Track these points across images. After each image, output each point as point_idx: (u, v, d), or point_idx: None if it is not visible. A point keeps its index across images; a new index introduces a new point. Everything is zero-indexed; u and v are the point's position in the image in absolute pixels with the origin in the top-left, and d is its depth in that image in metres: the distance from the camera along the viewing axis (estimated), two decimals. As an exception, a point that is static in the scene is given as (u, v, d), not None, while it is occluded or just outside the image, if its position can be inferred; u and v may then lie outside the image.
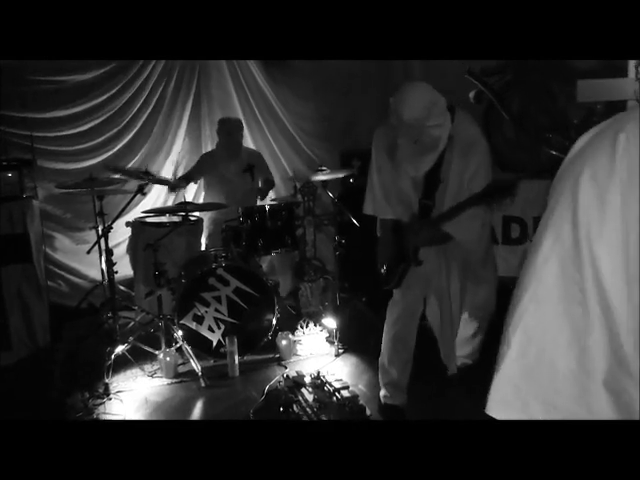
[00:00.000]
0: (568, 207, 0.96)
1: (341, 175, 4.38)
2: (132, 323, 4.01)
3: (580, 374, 0.95)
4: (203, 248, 4.45)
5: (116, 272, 3.65)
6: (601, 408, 0.93)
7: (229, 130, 4.67)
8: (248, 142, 5.35)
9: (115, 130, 5.00)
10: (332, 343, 3.87)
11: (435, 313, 2.92)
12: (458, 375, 3.20)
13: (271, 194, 5.23)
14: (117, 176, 4.04)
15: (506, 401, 1.04)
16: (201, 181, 4.89)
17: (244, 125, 5.13)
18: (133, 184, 3.95)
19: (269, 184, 4.86)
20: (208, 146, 5.33)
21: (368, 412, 3.00)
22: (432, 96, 2.40)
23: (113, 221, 3.58)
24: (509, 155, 4.08)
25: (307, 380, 3.33)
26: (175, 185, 4.65)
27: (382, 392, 2.99)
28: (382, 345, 2.95)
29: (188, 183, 4.78)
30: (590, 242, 0.91)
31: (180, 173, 5.08)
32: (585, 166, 0.95)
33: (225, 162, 4.65)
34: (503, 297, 3.20)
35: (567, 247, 0.94)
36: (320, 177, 4.16)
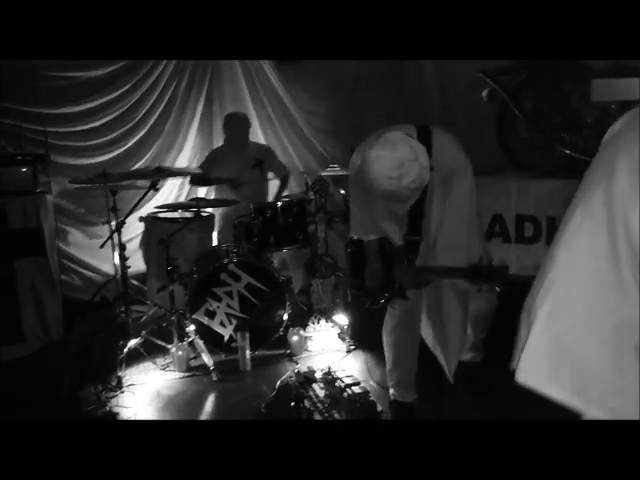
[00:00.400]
0: (602, 183, 0.97)
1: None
2: (145, 317, 4.04)
3: (614, 340, 0.95)
4: (215, 244, 4.48)
5: (129, 267, 3.67)
6: (636, 372, 0.94)
7: (235, 125, 4.69)
8: (260, 139, 5.38)
9: (128, 126, 5.03)
10: (343, 339, 3.89)
11: (425, 325, 2.90)
12: (467, 372, 3.21)
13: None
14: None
15: (535, 368, 1.04)
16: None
17: (254, 121, 5.17)
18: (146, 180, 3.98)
19: (285, 178, 4.89)
20: (219, 142, 5.36)
21: (379, 408, 3.01)
22: (396, 158, 2.20)
23: (126, 216, 3.60)
24: (522, 154, 4.07)
25: (318, 376, 3.34)
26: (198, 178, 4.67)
27: (391, 391, 3.00)
28: (385, 350, 2.93)
29: (205, 183, 4.78)
30: (625, 217, 0.92)
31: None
32: (621, 146, 0.96)
33: (233, 158, 4.66)
34: (515, 296, 3.21)
35: (599, 221, 0.95)
36: (331, 173, 4.18)
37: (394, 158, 2.20)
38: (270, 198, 4.86)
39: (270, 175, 4.86)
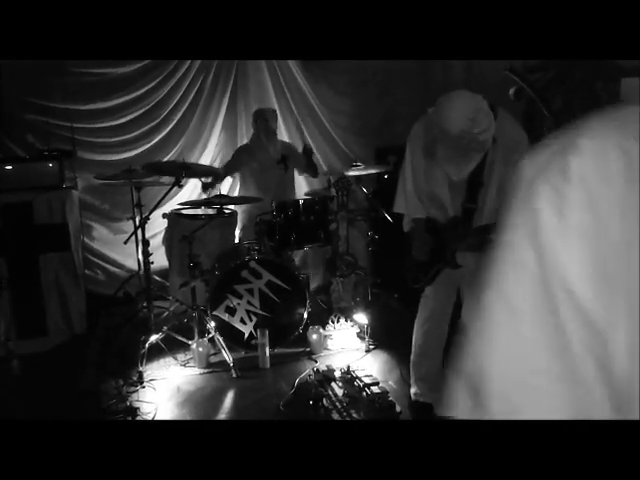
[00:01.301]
0: (528, 234, 0.88)
1: (375, 171, 4.36)
2: (166, 313, 4.08)
3: (569, 381, 0.87)
4: (237, 241, 4.49)
5: (152, 262, 3.71)
6: (598, 405, 0.87)
7: (264, 118, 4.67)
8: (283, 137, 5.37)
9: (154, 123, 5.08)
10: (363, 339, 3.87)
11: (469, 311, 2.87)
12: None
13: (305, 188, 5.24)
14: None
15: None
16: (236, 174, 4.93)
17: (280, 120, 5.16)
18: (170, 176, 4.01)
19: (313, 167, 4.78)
20: (244, 140, 5.37)
21: (398, 409, 2.99)
22: (475, 103, 2.33)
23: (150, 212, 3.63)
24: (549, 154, 4.00)
25: (337, 375, 3.33)
26: (210, 184, 4.67)
27: (413, 389, 2.98)
28: (413, 342, 2.94)
29: (225, 176, 4.81)
30: (562, 277, 0.84)
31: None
32: (542, 190, 0.88)
33: (261, 152, 4.65)
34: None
35: (533, 274, 0.87)
36: (354, 172, 4.16)
37: (474, 99, 2.33)
38: (297, 194, 4.87)
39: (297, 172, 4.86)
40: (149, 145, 5.08)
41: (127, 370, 3.46)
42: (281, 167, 4.65)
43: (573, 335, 0.85)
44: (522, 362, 0.91)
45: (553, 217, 0.85)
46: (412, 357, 2.95)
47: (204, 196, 5.10)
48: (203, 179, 4.69)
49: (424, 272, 2.74)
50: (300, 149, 4.90)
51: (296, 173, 4.88)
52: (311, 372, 3.43)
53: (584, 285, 0.84)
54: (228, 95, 5.37)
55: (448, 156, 2.42)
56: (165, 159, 5.10)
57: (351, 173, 4.17)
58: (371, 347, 3.80)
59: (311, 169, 4.78)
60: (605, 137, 0.88)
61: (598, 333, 0.83)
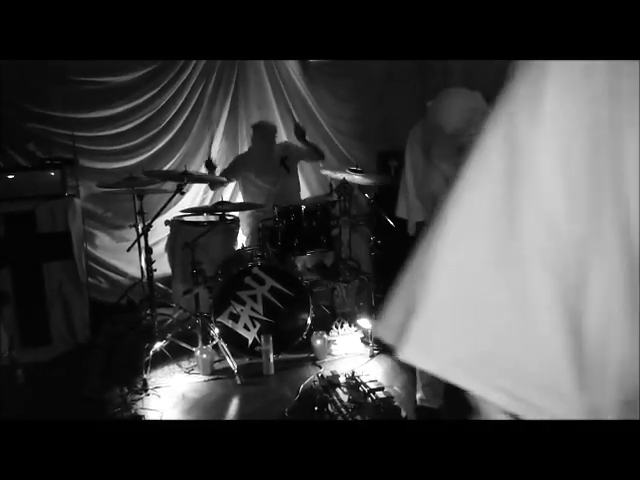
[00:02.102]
0: (502, 137, 0.87)
1: (377, 180, 4.33)
2: (170, 320, 4.08)
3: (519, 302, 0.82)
4: (239, 247, 4.49)
5: (155, 270, 3.71)
6: (548, 332, 0.83)
7: (263, 136, 4.68)
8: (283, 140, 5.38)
9: (155, 130, 5.08)
10: (367, 344, 3.87)
11: None
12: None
13: (306, 193, 5.23)
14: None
15: (430, 350, 0.87)
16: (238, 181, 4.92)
17: (279, 125, 5.18)
18: (172, 183, 4.02)
19: (317, 152, 4.82)
20: (245, 146, 5.38)
21: (403, 414, 2.99)
22: (472, 102, 2.30)
23: (152, 220, 3.64)
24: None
25: (342, 380, 3.33)
26: (215, 181, 4.66)
27: (419, 394, 2.96)
28: None
29: (225, 183, 4.82)
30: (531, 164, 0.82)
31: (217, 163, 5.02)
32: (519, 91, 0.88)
33: (259, 163, 4.65)
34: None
35: (499, 174, 0.85)
36: (355, 180, 4.12)
37: (472, 98, 2.31)
38: (303, 196, 4.88)
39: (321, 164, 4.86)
40: (151, 153, 5.09)
41: (131, 378, 3.46)
42: (282, 169, 4.65)
43: (532, 247, 0.80)
44: (473, 280, 0.86)
45: (527, 119, 0.83)
46: None
47: (211, 193, 5.12)
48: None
49: None
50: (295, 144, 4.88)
51: (301, 177, 4.87)
52: (315, 378, 3.43)
53: (553, 183, 0.80)
54: (229, 102, 5.39)
55: (443, 154, 2.40)
56: (167, 166, 5.12)
57: (352, 180, 4.13)
58: (375, 352, 3.80)
59: (312, 151, 4.78)
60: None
61: (557, 232, 0.79)
